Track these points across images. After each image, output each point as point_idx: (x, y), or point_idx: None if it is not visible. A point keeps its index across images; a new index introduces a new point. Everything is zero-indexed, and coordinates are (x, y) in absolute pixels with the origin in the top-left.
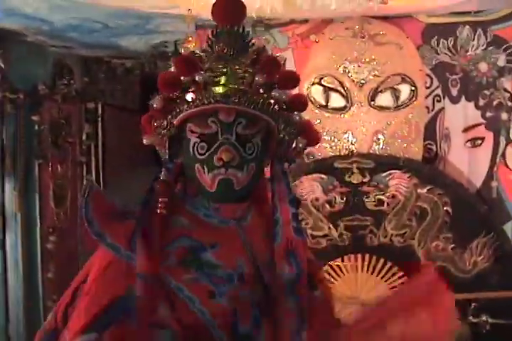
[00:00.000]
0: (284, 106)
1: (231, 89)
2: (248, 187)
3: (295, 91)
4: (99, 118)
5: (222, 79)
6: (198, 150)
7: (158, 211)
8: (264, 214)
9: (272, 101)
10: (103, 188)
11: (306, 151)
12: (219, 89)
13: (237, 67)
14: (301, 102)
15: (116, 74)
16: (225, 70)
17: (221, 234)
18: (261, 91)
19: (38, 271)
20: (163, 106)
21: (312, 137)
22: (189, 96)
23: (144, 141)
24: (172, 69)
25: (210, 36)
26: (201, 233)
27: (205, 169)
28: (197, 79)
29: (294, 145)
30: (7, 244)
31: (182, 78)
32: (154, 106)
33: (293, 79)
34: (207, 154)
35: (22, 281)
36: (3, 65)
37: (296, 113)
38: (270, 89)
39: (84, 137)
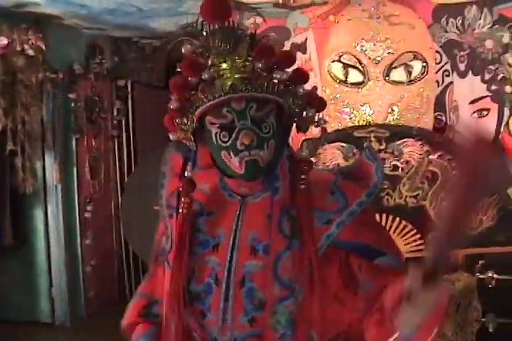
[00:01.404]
0: (288, 83)
1: (236, 79)
2: (274, 163)
3: (316, 67)
4: (129, 95)
5: (227, 73)
6: (221, 139)
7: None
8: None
9: (275, 81)
10: (134, 160)
11: (316, 118)
12: (226, 82)
13: (236, 59)
14: (301, 76)
15: (144, 53)
16: (226, 64)
17: (223, 206)
18: (263, 74)
19: (77, 239)
20: (179, 106)
21: (318, 104)
22: (201, 93)
23: (171, 138)
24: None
25: (206, 34)
26: (210, 201)
27: (231, 154)
28: (203, 77)
29: (304, 114)
30: (49, 214)
31: (190, 79)
32: (171, 107)
33: (289, 59)
34: (229, 141)
35: (63, 248)
36: (44, 47)
37: (299, 86)
38: (271, 71)
39: (115, 112)
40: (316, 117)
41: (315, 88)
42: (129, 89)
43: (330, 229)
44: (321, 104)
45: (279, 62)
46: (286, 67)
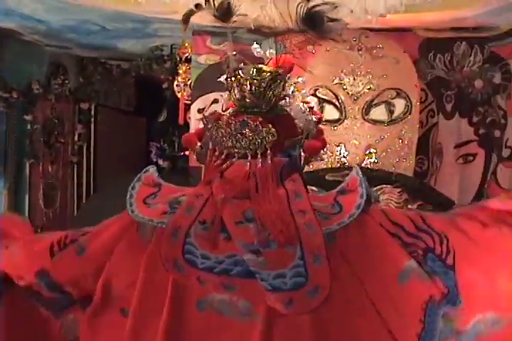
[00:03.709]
0: None
1: None
2: None
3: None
4: (93, 119)
5: None
6: None
7: None
8: None
9: None
10: (94, 189)
11: None
12: None
13: None
14: None
15: (111, 76)
16: None
17: None
18: None
19: None
20: None
21: None
22: None
23: None
24: None
25: None
26: None
27: None
28: None
29: None
30: None
31: None
32: None
33: None
34: None
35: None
36: None
37: None
38: None
39: (76, 137)
40: None
41: None
42: (93, 112)
43: (331, 225)
44: None
45: None
46: None
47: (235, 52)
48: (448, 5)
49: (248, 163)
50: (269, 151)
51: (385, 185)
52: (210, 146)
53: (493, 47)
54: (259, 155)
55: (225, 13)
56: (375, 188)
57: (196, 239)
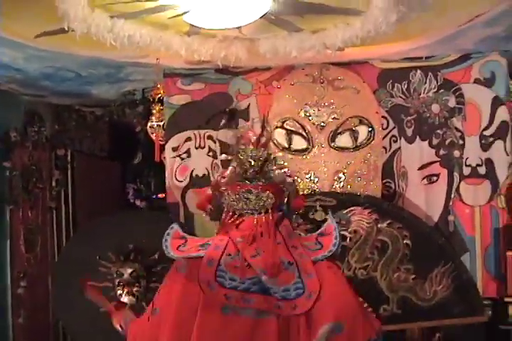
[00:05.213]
0: None
1: None
2: None
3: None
4: (69, 165)
5: None
6: None
7: None
8: None
9: None
10: (73, 233)
11: None
12: None
13: None
14: None
15: (86, 122)
16: None
17: None
18: None
19: (9, 317)
20: None
21: None
22: None
23: None
24: None
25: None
26: None
27: None
28: None
29: None
30: None
31: None
32: None
33: None
34: None
35: None
36: None
37: None
38: None
39: (54, 183)
40: None
41: None
42: (69, 158)
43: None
44: None
45: None
46: None
47: (238, 136)
48: (399, 36)
49: (255, 219)
50: (269, 210)
51: (354, 207)
52: (225, 209)
53: (446, 74)
54: (262, 214)
55: None
56: (346, 211)
57: (226, 267)
